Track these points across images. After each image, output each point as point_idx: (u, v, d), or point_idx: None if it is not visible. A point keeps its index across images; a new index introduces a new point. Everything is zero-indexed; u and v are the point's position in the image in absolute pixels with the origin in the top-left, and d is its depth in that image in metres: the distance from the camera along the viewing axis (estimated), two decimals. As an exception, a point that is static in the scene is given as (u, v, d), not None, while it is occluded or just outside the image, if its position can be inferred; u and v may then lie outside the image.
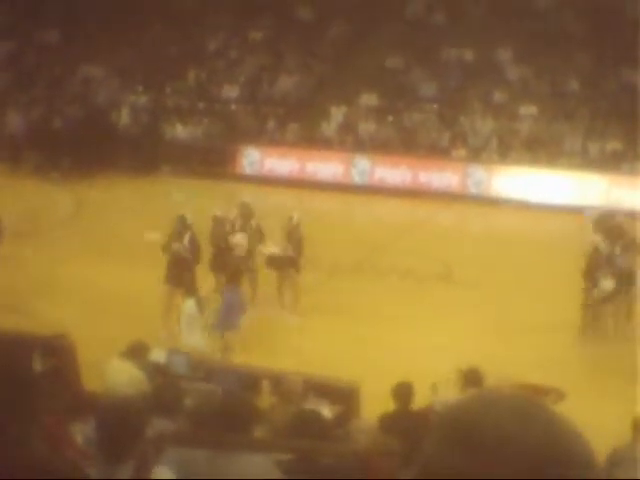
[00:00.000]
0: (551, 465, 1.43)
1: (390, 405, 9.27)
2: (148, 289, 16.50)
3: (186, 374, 10.26)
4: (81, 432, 6.59)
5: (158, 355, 11.17)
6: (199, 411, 6.63)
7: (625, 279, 15.50)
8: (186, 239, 15.56)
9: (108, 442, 4.54)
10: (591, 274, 15.58)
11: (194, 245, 15.63)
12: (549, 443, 1.45)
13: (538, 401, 1.54)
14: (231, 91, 30.75)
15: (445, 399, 9.38)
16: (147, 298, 16.04)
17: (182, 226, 15.64)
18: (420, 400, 9.66)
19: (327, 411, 9.61)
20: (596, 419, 12.06)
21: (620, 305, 15.65)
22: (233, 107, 30.36)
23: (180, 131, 29.59)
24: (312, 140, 28.52)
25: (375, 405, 9.92)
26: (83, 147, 26.96)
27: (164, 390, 7.43)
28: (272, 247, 16.56)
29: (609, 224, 17.27)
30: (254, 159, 28.27)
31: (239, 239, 15.72)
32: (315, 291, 17.69)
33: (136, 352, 10.00)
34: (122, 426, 4.57)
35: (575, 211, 23.92)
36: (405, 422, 8.59)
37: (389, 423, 8.67)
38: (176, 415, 6.99)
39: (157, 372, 10.16)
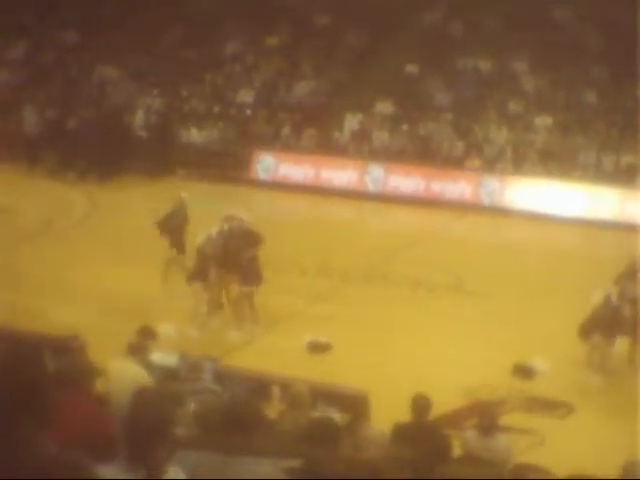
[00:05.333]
0: None
1: (400, 414, 9.26)
2: (161, 291, 16.58)
3: (198, 378, 10.25)
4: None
5: (166, 358, 11.16)
6: (205, 415, 6.66)
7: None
8: None
9: (133, 439, 4.51)
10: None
11: None
12: None
13: None
14: (247, 96, 30.78)
15: None
16: (159, 300, 16.12)
17: None
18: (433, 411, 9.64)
19: (337, 418, 9.62)
20: (605, 434, 12.06)
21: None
22: (248, 112, 30.36)
23: (195, 135, 29.63)
24: (327, 147, 28.53)
25: (384, 413, 9.93)
26: (98, 149, 26.99)
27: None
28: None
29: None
30: (269, 164, 28.27)
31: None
32: (326, 298, 17.73)
33: (136, 351, 10.05)
34: (151, 423, 4.54)
35: (588, 224, 23.90)
36: (419, 433, 8.57)
37: (402, 433, 8.66)
38: (183, 419, 7.01)
39: (167, 376, 10.16)
